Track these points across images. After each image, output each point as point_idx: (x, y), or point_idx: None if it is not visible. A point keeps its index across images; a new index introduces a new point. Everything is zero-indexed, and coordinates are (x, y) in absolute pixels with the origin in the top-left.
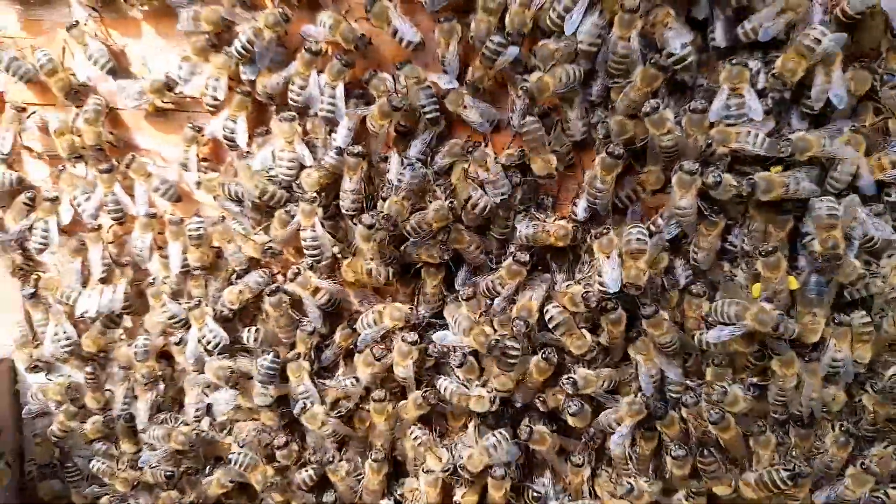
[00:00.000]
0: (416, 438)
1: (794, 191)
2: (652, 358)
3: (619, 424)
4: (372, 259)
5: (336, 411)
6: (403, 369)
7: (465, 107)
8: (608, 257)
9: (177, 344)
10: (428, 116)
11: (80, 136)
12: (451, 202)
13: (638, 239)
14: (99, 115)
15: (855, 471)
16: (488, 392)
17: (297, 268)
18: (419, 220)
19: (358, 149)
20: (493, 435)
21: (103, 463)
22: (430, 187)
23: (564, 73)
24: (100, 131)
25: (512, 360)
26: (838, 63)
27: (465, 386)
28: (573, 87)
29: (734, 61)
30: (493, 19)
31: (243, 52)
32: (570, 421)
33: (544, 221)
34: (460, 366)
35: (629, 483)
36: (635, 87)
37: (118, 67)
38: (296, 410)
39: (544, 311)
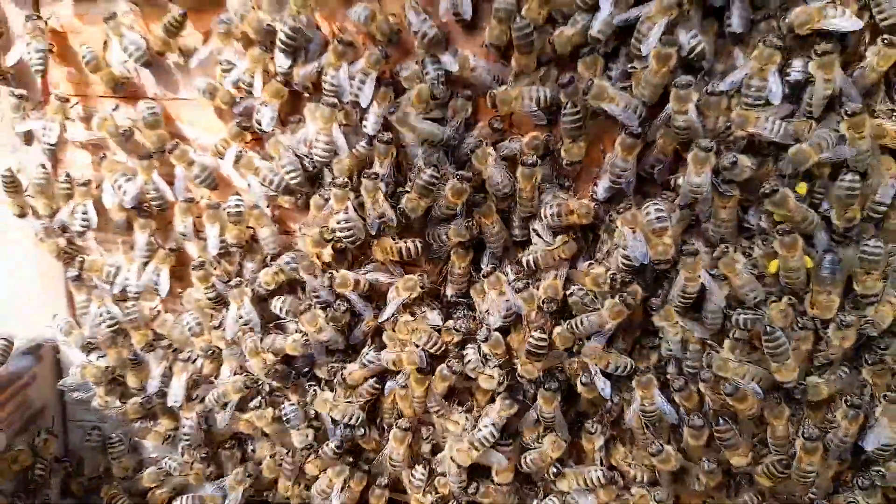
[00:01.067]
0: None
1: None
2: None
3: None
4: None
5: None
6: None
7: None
8: (633, 231)
9: (216, 328)
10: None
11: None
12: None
13: (658, 217)
14: (158, 119)
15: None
16: (499, 374)
17: (331, 273)
18: (441, 205)
19: (388, 135)
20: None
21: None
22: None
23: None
24: (162, 132)
25: (540, 352)
26: None
27: (484, 362)
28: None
29: (768, 41)
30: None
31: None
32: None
33: (567, 200)
34: (485, 340)
35: (660, 444)
36: (652, 70)
37: (153, 60)
38: None
39: (567, 291)
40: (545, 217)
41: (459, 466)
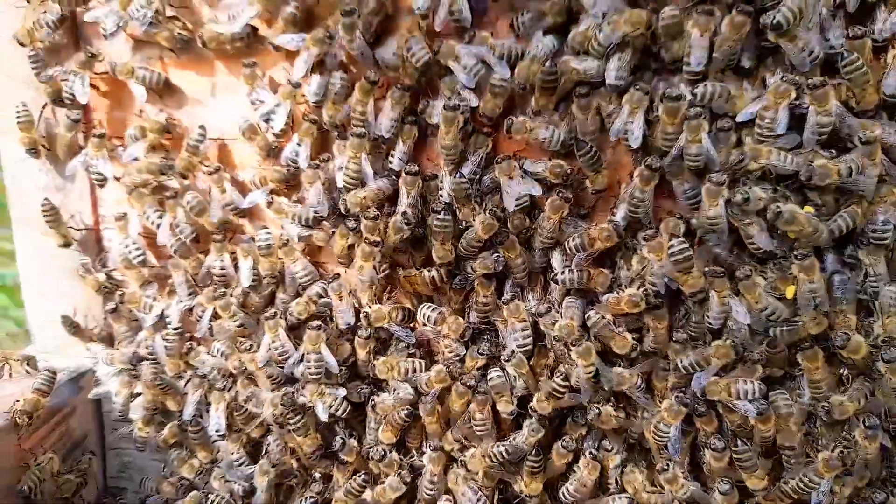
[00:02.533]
0: None
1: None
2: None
3: None
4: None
5: None
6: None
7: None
8: (659, 258)
9: (247, 350)
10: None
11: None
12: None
13: (683, 254)
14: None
15: None
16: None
17: (366, 310)
18: (469, 238)
19: (414, 167)
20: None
21: None
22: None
23: None
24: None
25: (559, 396)
26: None
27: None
28: None
29: (785, 77)
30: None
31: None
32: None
33: (588, 229)
34: (509, 360)
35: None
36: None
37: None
38: None
39: (586, 317)
40: (570, 249)
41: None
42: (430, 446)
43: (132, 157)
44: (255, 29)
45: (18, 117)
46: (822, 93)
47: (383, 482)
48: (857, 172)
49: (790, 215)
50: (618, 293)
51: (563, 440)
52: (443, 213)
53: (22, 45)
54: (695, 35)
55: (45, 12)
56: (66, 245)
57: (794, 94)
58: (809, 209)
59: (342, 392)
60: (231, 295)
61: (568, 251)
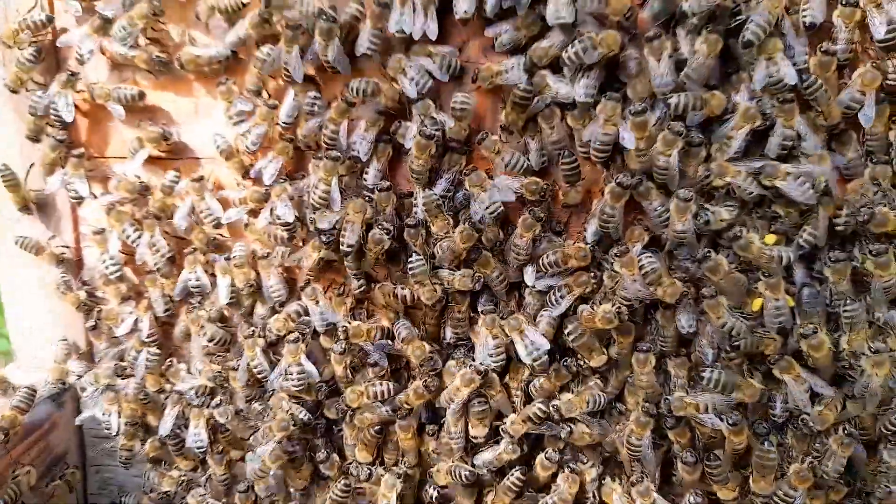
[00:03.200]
0: None
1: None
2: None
3: None
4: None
5: None
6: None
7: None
8: (631, 275)
9: (233, 370)
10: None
11: None
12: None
13: (651, 268)
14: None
15: None
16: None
17: (345, 324)
18: (447, 248)
19: (387, 184)
20: None
21: None
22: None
23: None
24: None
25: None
26: None
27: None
28: None
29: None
30: None
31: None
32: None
33: (562, 246)
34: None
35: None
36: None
37: None
38: None
39: (566, 330)
40: (544, 266)
41: None
42: (405, 464)
43: (132, 172)
44: (234, 52)
45: (4, 178)
46: (789, 108)
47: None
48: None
49: (746, 242)
50: (592, 308)
51: (547, 452)
52: (413, 255)
53: (14, 91)
54: (652, 63)
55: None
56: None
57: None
58: (771, 238)
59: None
60: (206, 310)
61: (542, 267)
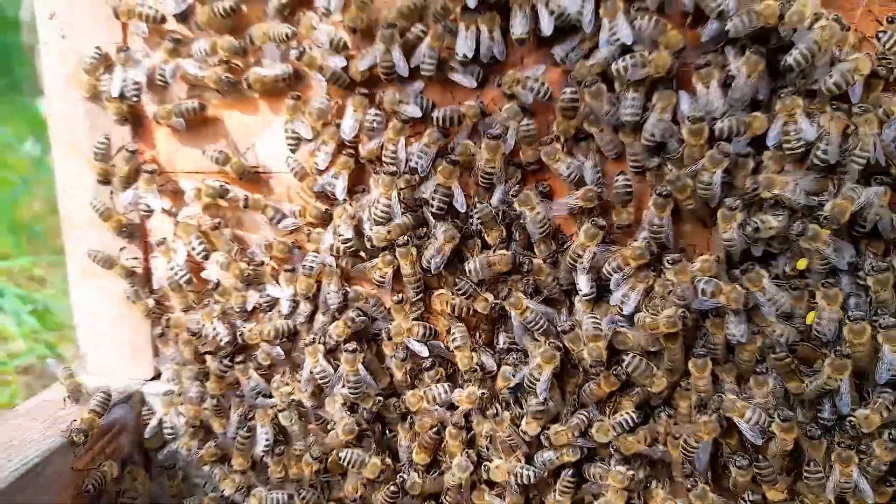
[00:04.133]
0: None
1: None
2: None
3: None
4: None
5: None
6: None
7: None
8: (685, 281)
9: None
10: None
11: None
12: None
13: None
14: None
15: None
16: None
17: (388, 328)
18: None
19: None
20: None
21: None
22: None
23: None
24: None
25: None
26: None
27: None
28: None
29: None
30: None
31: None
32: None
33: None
34: None
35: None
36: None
37: None
38: None
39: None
40: (607, 272)
41: None
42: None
43: (187, 216)
44: (296, 71)
45: (96, 149)
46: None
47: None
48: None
49: (814, 232)
50: (653, 315)
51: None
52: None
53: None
54: (700, 89)
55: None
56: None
57: (800, 102)
58: (803, 263)
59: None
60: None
61: (607, 274)
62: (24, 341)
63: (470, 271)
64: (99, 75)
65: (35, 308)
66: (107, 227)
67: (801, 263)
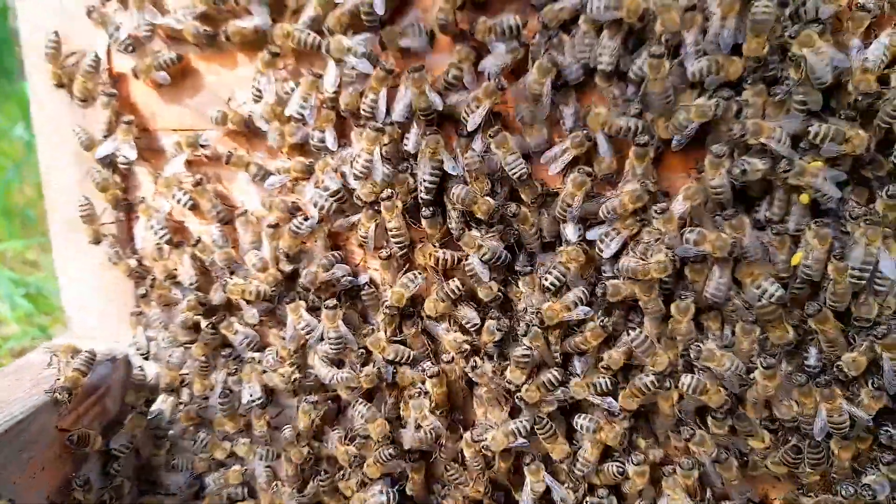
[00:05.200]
0: None
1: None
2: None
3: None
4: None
5: None
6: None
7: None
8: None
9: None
10: None
11: None
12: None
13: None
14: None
15: None
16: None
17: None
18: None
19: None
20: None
21: None
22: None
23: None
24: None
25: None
26: None
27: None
28: None
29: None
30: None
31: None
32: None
33: (643, 258)
34: (525, 334)
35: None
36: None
37: None
38: None
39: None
40: (604, 213)
41: None
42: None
43: (172, 172)
44: (274, 20)
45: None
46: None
47: None
48: None
49: (800, 168)
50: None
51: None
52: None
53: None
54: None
55: None
56: (97, 242)
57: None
58: (806, 198)
59: None
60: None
61: (603, 214)
62: (17, 325)
63: (455, 196)
64: (61, 62)
65: (28, 291)
66: (103, 198)
67: (804, 198)
